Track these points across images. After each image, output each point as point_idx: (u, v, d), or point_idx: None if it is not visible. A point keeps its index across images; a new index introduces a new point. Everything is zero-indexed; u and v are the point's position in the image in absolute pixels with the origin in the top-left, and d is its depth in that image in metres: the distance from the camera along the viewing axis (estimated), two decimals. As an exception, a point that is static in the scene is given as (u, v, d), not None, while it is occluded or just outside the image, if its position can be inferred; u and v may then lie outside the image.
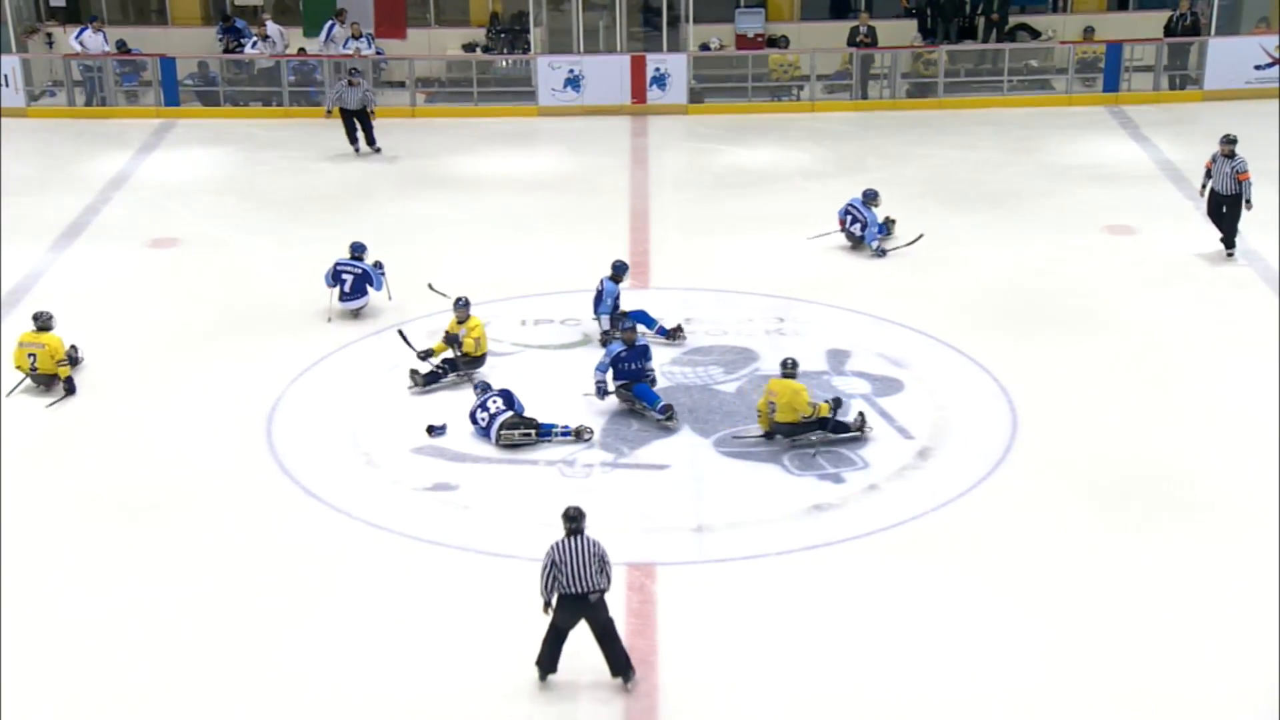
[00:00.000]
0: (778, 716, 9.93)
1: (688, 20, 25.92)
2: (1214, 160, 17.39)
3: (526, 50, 25.99)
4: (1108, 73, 25.02)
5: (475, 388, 13.99)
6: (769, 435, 13.47)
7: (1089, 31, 25.54)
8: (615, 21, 26.28)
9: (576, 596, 9.99)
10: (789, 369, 13.38)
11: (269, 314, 16.54)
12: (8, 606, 11.13)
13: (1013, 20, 26.35)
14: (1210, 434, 13.53)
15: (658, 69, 24.85)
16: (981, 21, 26.18)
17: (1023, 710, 9.97)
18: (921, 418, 13.85)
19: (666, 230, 19.24)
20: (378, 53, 25.32)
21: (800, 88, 25.45)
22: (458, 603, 11.21)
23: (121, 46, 25.53)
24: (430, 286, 16.45)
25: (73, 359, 14.93)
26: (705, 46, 26.08)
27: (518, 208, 20.27)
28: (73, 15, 26.88)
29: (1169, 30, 25.33)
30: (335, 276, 16.29)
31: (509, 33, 26.73)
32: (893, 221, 18.58)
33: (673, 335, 15.61)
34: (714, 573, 11.55)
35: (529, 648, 10.48)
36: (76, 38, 25.28)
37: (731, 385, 14.68)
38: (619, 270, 15.63)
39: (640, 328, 14.96)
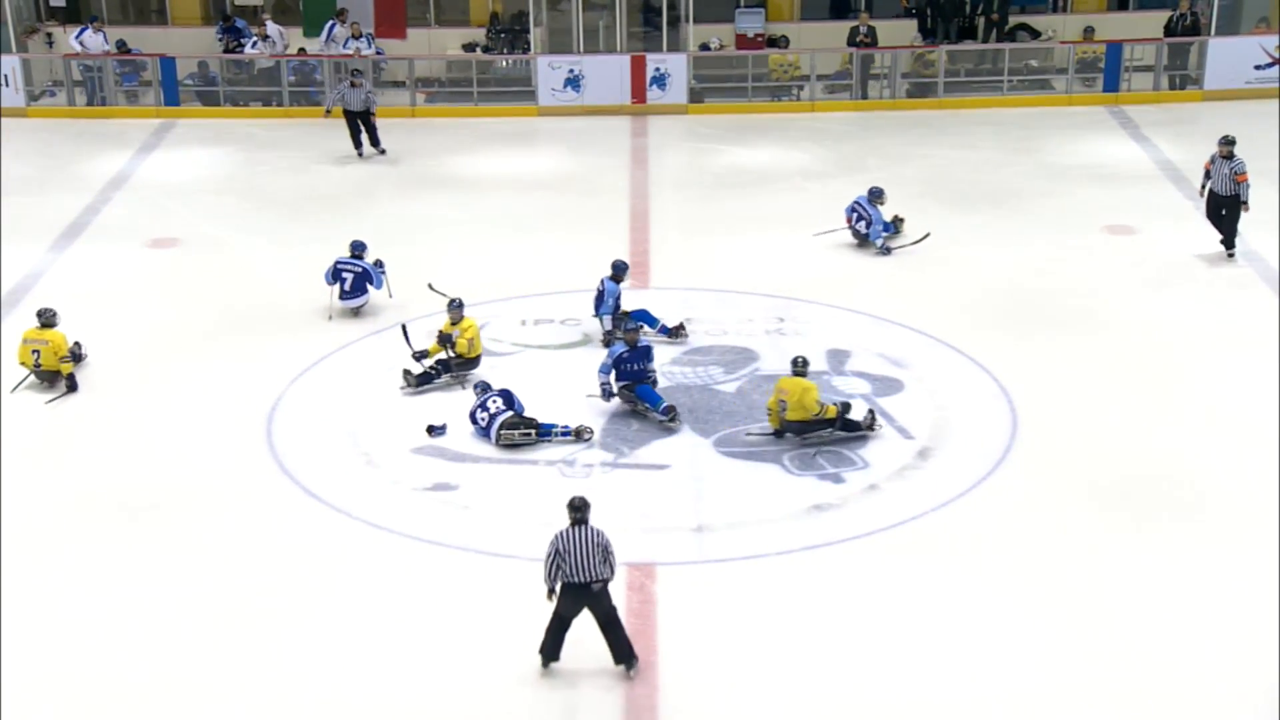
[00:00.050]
0: (778, 716, 9.93)
1: (688, 20, 25.92)
2: (1213, 161, 17.39)
3: (526, 50, 25.99)
4: (1108, 73, 25.02)
5: (475, 388, 13.99)
6: (779, 433, 13.47)
7: (1089, 31, 25.55)
8: (615, 21, 26.28)
9: (580, 586, 10.07)
10: (799, 367, 13.40)
11: (269, 314, 16.54)
12: (8, 606, 11.13)
13: (1013, 20, 26.35)
14: (1210, 434, 13.53)
15: (658, 69, 24.85)
16: (981, 21, 26.18)
17: (1023, 710, 9.97)
18: (921, 418, 13.85)
19: (666, 230, 19.24)
20: (378, 53, 25.32)
21: (800, 88, 25.45)
22: (458, 603, 11.21)
23: (121, 46, 25.53)
24: (430, 286, 16.45)
25: (76, 355, 14.98)
26: (705, 46, 26.08)
27: (518, 208, 20.27)
28: (73, 15, 26.88)
29: (1169, 30, 25.33)
30: (335, 274, 16.32)
31: (509, 33, 26.73)
32: (901, 220, 18.62)
33: (675, 333, 15.62)
34: (714, 573, 11.55)
35: (529, 648, 10.49)
36: (77, 38, 25.29)
37: (731, 385, 14.68)
38: (619, 270, 15.63)
39: (643, 327, 14.98)
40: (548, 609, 10.60)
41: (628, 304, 15.67)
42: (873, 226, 18.04)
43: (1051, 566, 11.51)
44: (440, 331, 14.78)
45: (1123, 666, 10.30)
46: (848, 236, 18.39)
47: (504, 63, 26.37)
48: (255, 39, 25.71)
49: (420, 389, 14.52)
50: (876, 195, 18.15)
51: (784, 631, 10.78)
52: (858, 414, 13.66)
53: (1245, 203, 17.26)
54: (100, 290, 17.25)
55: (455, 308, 14.78)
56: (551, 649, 10.32)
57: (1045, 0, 27.60)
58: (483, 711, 10.07)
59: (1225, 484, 12.69)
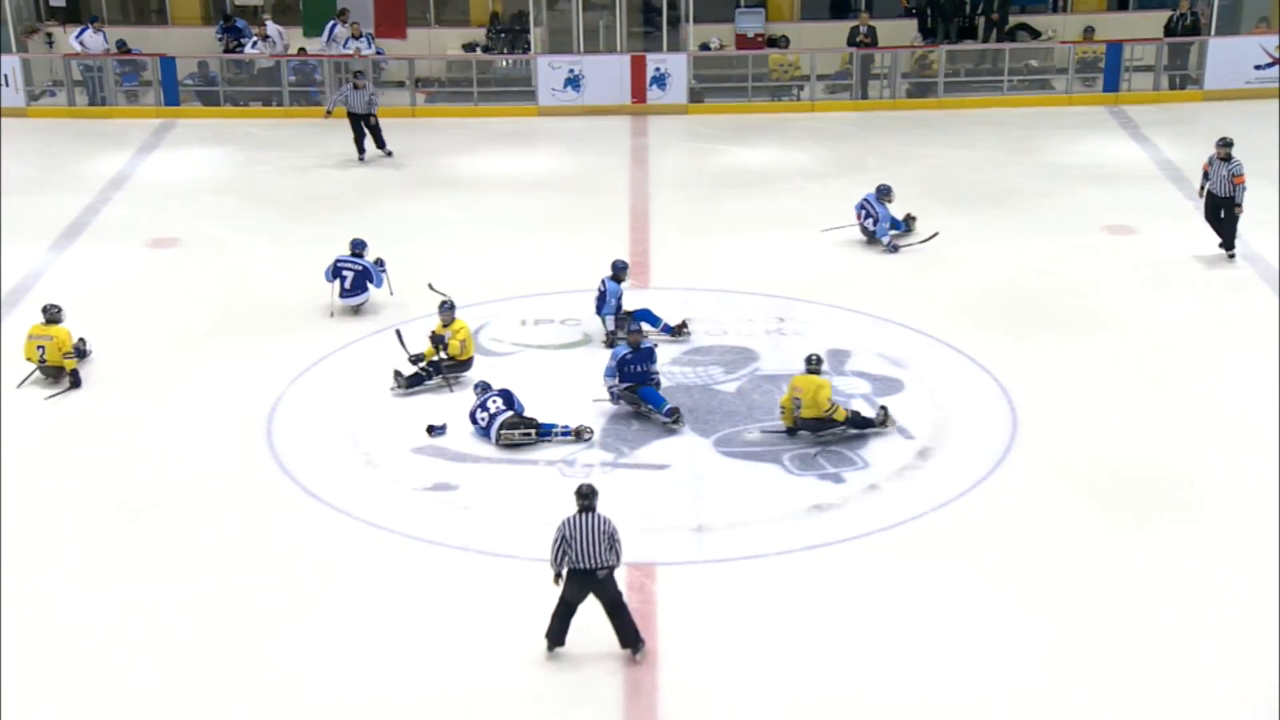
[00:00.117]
0: (778, 716, 9.93)
1: (688, 20, 25.93)
2: (1210, 163, 17.39)
3: (526, 50, 25.99)
4: (1108, 73, 25.03)
5: (475, 388, 13.99)
6: (791, 431, 13.48)
7: (1089, 31, 25.55)
8: (615, 21, 26.29)
9: (585, 572, 10.20)
10: (814, 365, 13.43)
11: (269, 314, 16.55)
12: (8, 606, 11.13)
13: (1013, 20, 26.36)
14: (1210, 434, 13.53)
15: (658, 69, 24.85)
16: (981, 21, 26.19)
17: (1023, 710, 9.97)
18: (921, 418, 13.84)
19: (666, 230, 19.24)
20: (378, 53, 25.31)
21: (800, 88, 25.46)
22: (458, 603, 11.21)
23: (121, 46, 25.54)
24: (430, 286, 16.44)
25: (81, 351, 15.05)
26: (705, 46, 26.09)
27: (518, 208, 20.27)
28: (73, 15, 26.90)
29: (1169, 30, 25.33)
30: (335, 272, 16.34)
31: (509, 33, 26.74)
32: (913, 218, 18.66)
33: (678, 331, 15.64)
34: (714, 573, 11.55)
35: (529, 648, 10.51)
36: (77, 38, 25.30)
37: (731, 385, 14.68)
38: (620, 270, 15.62)
39: (645, 326, 14.98)
40: (548, 609, 10.63)
41: (629, 304, 15.67)
42: (879, 224, 18.08)
43: (1051, 566, 11.51)
44: (433, 333, 14.75)
45: (1123, 666, 10.30)
46: (852, 234, 18.41)
47: (504, 63, 26.38)
48: (255, 39, 25.71)
49: (410, 390, 14.50)
50: (885, 193, 18.19)
51: (784, 631, 10.78)
52: (871, 411, 13.72)
53: (1239, 205, 17.24)
54: (100, 290, 17.24)
55: (446, 309, 14.76)
56: (557, 634, 10.45)
57: (1045, 0, 27.61)
58: (482, 711, 10.06)
59: (1225, 484, 12.69)
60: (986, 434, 13.59)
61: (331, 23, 25.30)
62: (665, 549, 11.81)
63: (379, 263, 16.55)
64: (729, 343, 15.62)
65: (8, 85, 24.90)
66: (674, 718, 9.98)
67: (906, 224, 18.54)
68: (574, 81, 24.83)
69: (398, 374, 14.56)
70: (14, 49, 25.87)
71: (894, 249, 18.08)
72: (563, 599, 10.38)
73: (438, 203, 20.61)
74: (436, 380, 14.62)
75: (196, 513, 12.52)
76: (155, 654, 10.63)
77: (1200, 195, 17.68)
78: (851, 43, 25.15)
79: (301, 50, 25.78)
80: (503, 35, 26.77)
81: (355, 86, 21.85)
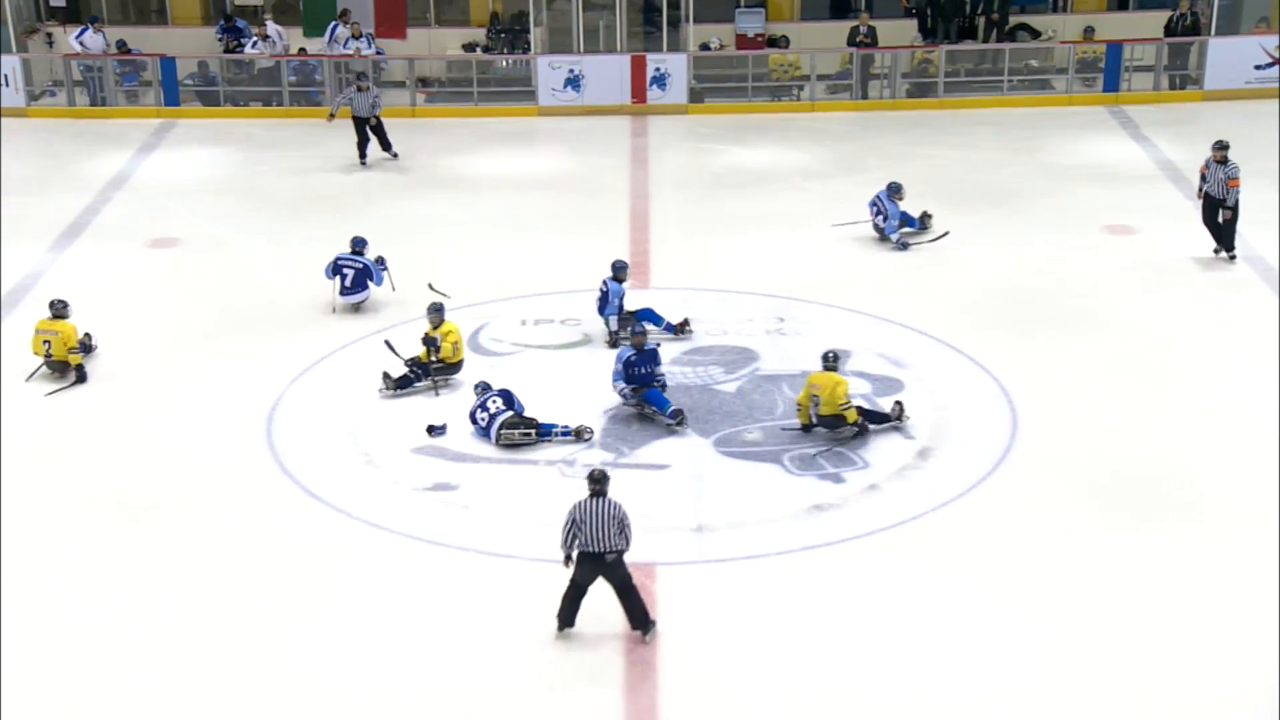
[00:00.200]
0: (778, 716, 9.93)
1: (688, 20, 25.92)
2: (1207, 166, 17.38)
3: (526, 50, 25.99)
4: (1108, 73, 25.03)
5: (475, 388, 13.98)
6: (807, 428, 13.50)
7: (1089, 31, 25.55)
8: (615, 21, 26.28)
9: (594, 555, 10.37)
10: (830, 362, 13.46)
11: (269, 314, 16.55)
12: (8, 606, 11.13)
13: (1013, 20, 26.36)
14: (1209, 434, 13.53)
15: (658, 69, 24.86)
16: (981, 21, 26.19)
17: (1023, 710, 9.97)
18: (921, 418, 13.84)
19: (666, 230, 19.24)
20: (378, 53, 25.31)
21: (800, 88, 25.46)
22: (458, 603, 11.21)
23: (121, 46, 25.54)
24: (430, 286, 16.46)
25: (86, 347, 15.14)
26: (705, 46, 26.09)
27: (518, 208, 20.27)
28: (73, 15, 26.90)
29: (1169, 30, 25.33)
30: (335, 269, 16.37)
31: (509, 33, 26.74)
32: (929, 216, 18.69)
33: (680, 330, 15.65)
34: (714, 573, 11.55)
35: (528, 648, 10.52)
36: (77, 38, 25.30)
37: (731, 385, 14.68)
38: (620, 270, 15.61)
39: (648, 325, 15.00)
40: (548, 609, 10.67)
41: (630, 304, 15.67)
42: (889, 221, 18.12)
43: (1051, 566, 11.51)
44: (425, 335, 14.71)
45: (1123, 666, 10.30)
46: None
47: (504, 63, 26.38)
48: (255, 39, 25.72)
49: (399, 392, 14.48)
50: (895, 190, 18.25)
51: (784, 631, 10.78)
52: (885, 406, 13.77)
53: (1229, 208, 17.20)
54: (100, 290, 17.23)
55: (435, 311, 14.72)
56: (567, 615, 10.61)
57: (1045, 0, 27.61)
58: (481, 711, 10.06)
59: (1225, 484, 12.69)
60: (986, 434, 13.59)
61: (333, 24, 25.30)
62: (665, 549, 11.80)
63: (380, 261, 16.56)
64: (729, 343, 15.62)
65: (8, 85, 24.90)
66: (674, 717, 9.98)
67: (922, 222, 18.60)
68: (574, 81, 24.83)
69: (386, 376, 14.52)
70: (14, 49, 25.87)
71: (903, 246, 18.12)
72: (573, 581, 10.53)
73: (438, 203, 20.61)
74: (425, 383, 14.58)
75: (196, 513, 12.52)
76: (155, 654, 10.63)
77: (1198, 197, 17.67)
78: (851, 43, 25.15)
79: (301, 50, 25.78)
80: (503, 35, 26.77)
81: (359, 89, 21.66)
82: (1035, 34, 26.35)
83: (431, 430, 13.75)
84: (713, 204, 20.36)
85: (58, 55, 26.16)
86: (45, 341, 14.85)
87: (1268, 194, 18.99)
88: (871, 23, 25.33)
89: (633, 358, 13.83)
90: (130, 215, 20.19)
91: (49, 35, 26.87)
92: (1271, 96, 23.98)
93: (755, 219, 19.57)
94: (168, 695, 10.20)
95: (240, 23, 26.29)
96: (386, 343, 14.99)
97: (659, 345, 14.42)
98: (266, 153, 23.21)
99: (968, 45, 25.85)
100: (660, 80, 24.82)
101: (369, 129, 21.82)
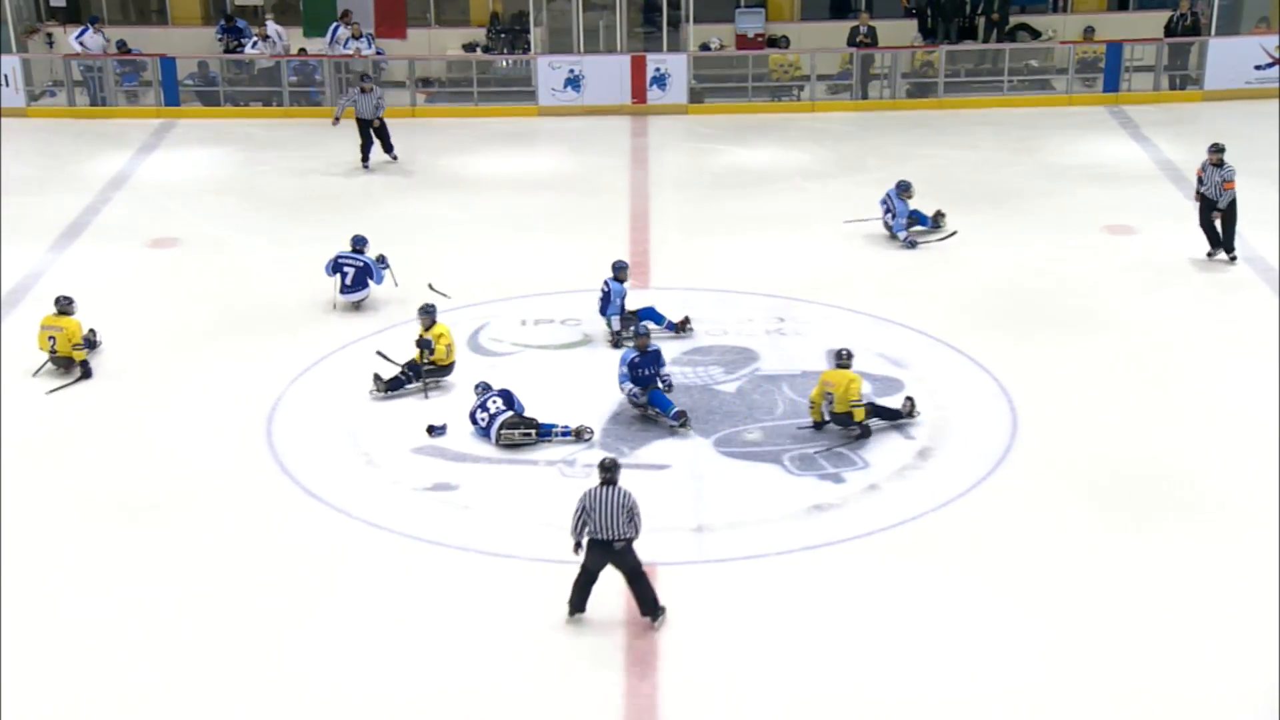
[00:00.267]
0: (778, 716, 9.93)
1: (688, 20, 25.93)
2: (1204, 169, 17.37)
3: (526, 50, 25.99)
4: (1108, 73, 25.03)
5: (475, 388, 13.98)
6: (819, 425, 13.53)
7: (1089, 31, 25.55)
8: (615, 21, 26.28)
9: (603, 543, 10.55)
10: (844, 359, 13.47)
11: (269, 314, 16.55)
12: (8, 606, 11.13)
13: (1013, 20, 26.37)
14: (1210, 434, 13.53)
15: (658, 69, 24.85)
16: (982, 21, 26.19)
17: (1023, 710, 9.97)
18: (922, 418, 13.84)
19: (666, 230, 19.25)
20: (378, 53, 25.32)
21: (800, 88, 25.46)
22: (458, 603, 11.21)
23: (121, 46, 25.54)
24: (431, 286, 16.48)
25: (90, 343, 15.23)
26: (705, 46, 26.09)
27: (518, 208, 20.27)
28: (73, 15, 26.91)
29: (1169, 30, 25.33)
30: (335, 267, 16.39)
31: (509, 33, 26.74)
32: (942, 215, 18.73)
33: (681, 328, 15.67)
34: (714, 573, 11.55)
35: (528, 648, 10.52)
36: (77, 38, 25.30)
37: (731, 385, 14.68)
38: (621, 270, 15.60)
39: (649, 324, 15.01)
40: (548, 609, 10.71)
41: (630, 303, 15.67)
42: (897, 219, 18.15)
43: (1051, 566, 11.51)
44: (419, 336, 14.67)
45: (1123, 666, 10.30)
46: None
47: (504, 63, 26.38)
48: (255, 39, 25.72)
49: (390, 394, 14.46)
50: (904, 188, 18.32)
51: (784, 631, 10.78)
52: (897, 403, 13.82)
53: (1221, 210, 17.19)
54: (100, 290, 17.22)
55: (426, 313, 14.68)
56: (578, 601, 10.76)
57: (1045, 0, 27.61)
58: (481, 712, 10.06)
59: (1225, 484, 12.69)
60: (986, 434, 13.59)
61: (334, 24, 25.29)
62: (665, 549, 11.78)
63: (381, 260, 16.58)
64: (729, 343, 15.62)
65: (8, 85, 24.91)
66: (674, 717, 9.98)
67: (935, 221, 18.63)
68: (574, 81, 24.83)
69: (377, 378, 14.50)
70: (14, 49, 25.88)
71: (911, 245, 18.16)
72: (583, 567, 10.70)
73: (438, 203, 20.61)
74: (416, 384, 14.55)
75: (196, 513, 12.52)
76: (155, 654, 10.63)
77: (1195, 200, 17.66)
78: (851, 43, 25.15)
79: (302, 50, 25.79)
80: (503, 35, 26.77)
81: (363, 90, 21.52)
82: (1035, 34, 26.35)
83: (431, 430, 13.75)
84: (713, 204, 20.36)
85: (58, 55, 26.16)
86: (50, 338, 14.95)
87: (1268, 194, 18.99)
88: (871, 23, 25.34)
89: (637, 359, 13.83)
90: (130, 215, 20.19)
91: (49, 35, 26.88)
92: (1271, 96, 23.98)
93: (755, 219, 19.57)
94: (168, 695, 10.20)
95: (240, 23, 26.30)
96: (379, 353, 14.91)
97: (658, 347, 14.41)
98: (266, 153, 23.21)
99: (968, 45, 25.85)
100: (660, 80, 24.83)
101: (372, 131, 21.74)
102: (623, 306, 15.54)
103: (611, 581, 10.98)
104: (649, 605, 10.73)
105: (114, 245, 18.98)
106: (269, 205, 20.60)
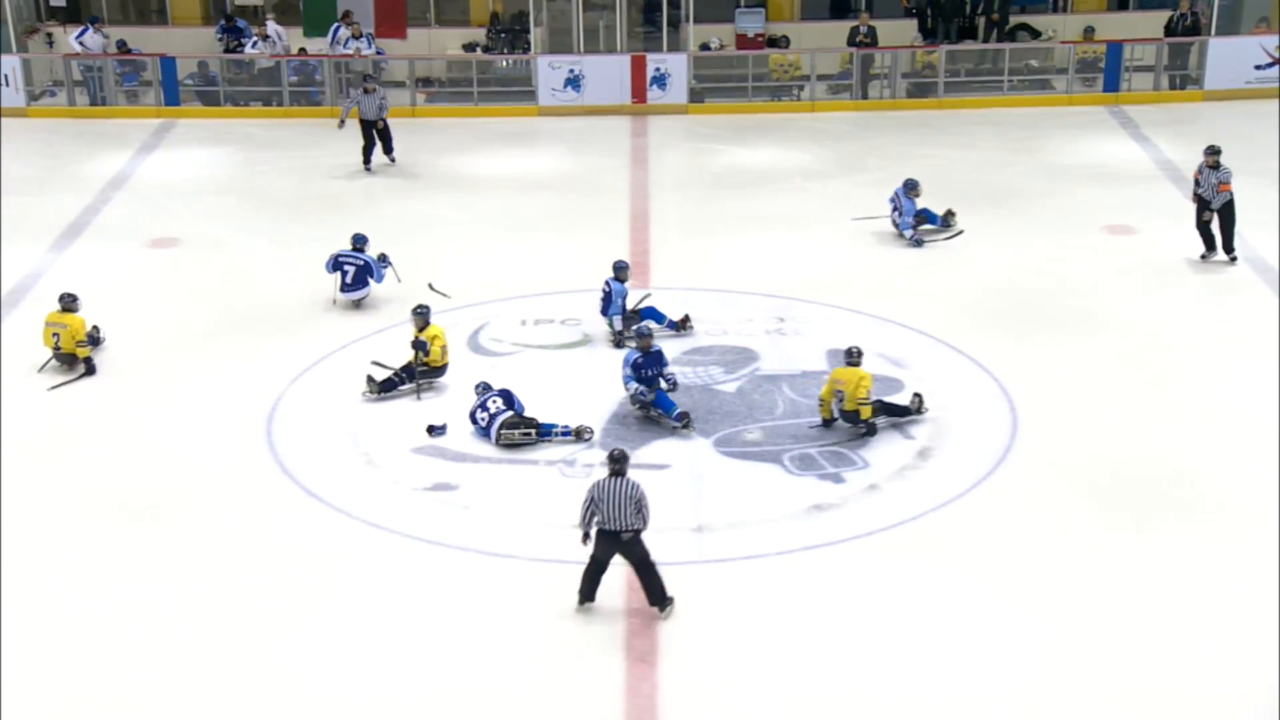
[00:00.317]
0: (778, 716, 9.93)
1: (688, 20, 25.93)
2: (1200, 171, 17.37)
3: (526, 50, 26.00)
4: (1108, 73, 25.03)
5: (476, 388, 13.98)
6: (828, 423, 13.57)
7: (1089, 31, 25.55)
8: (615, 21, 26.28)
9: (612, 533, 10.68)
10: (854, 357, 13.48)
11: (269, 314, 16.55)
12: (8, 606, 11.13)
13: (1013, 20, 26.38)
14: (1210, 434, 13.53)
15: (658, 69, 24.86)
16: (982, 21, 26.20)
17: (1023, 710, 9.97)
18: (922, 418, 13.84)
19: (666, 230, 19.25)
20: (378, 53, 25.31)
21: (800, 88, 25.46)
22: (458, 603, 11.21)
23: (122, 46, 25.55)
24: (431, 286, 16.49)
25: (94, 339, 15.30)
26: (705, 46, 26.09)
27: (518, 208, 20.27)
28: (73, 15, 26.92)
29: (1169, 30, 25.34)
30: (335, 265, 16.41)
31: (509, 33, 26.74)
32: (953, 214, 18.75)
33: (681, 326, 15.69)
34: (714, 573, 11.55)
35: (528, 648, 10.52)
36: (77, 38, 25.31)
37: (731, 385, 14.68)
38: (622, 270, 15.61)
39: (651, 323, 15.03)
40: (548, 609, 10.73)
41: (631, 302, 15.67)
42: (903, 217, 18.18)
43: (1051, 566, 11.51)
44: (414, 338, 14.62)
45: (1123, 666, 10.30)
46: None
47: (504, 63, 26.38)
48: (255, 39, 25.72)
49: (383, 396, 14.44)
50: (911, 187, 18.38)
51: (784, 631, 10.78)
52: (904, 399, 13.86)
53: (1213, 210, 17.18)
54: (100, 290, 17.20)
55: (419, 314, 14.64)
56: (588, 590, 10.90)
57: (1045, 0, 27.61)
58: (480, 712, 10.06)
59: (1225, 484, 12.69)
60: (986, 434, 13.59)
61: (335, 25, 25.27)
62: (665, 549, 11.75)
63: (383, 258, 16.59)
64: (729, 343, 15.62)
65: (8, 85, 24.91)
66: (674, 717, 9.98)
67: (945, 220, 18.63)
68: (574, 81, 24.83)
69: (370, 379, 14.48)
70: (14, 49, 25.88)
71: (918, 243, 18.18)
72: (593, 557, 10.82)
73: (438, 203, 20.61)
74: (409, 386, 14.52)
75: (196, 513, 12.51)
76: (155, 654, 10.63)
77: (1193, 202, 17.65)
78: (851, 43, 25.15)
79: (302, 50, 25.79)
80: (503, 35, 26.77)
81: (366, 91, 21.43)
82: (1035, 34, 26.36)
83: (431, 430, 13.75)
84: (713, 204, 20.36)
85: (58, 55, 26.17)
86: (54, 334, 15.01)
87: (1268, 194, 18.99)
88: (871, 23, 25.35)
89: (640, 359, 13.83)
90: (130, 215, 20.19)
91: (49, 35, 26.88)
92: (1271, 96, 23.98)
93: (755, 219, 19.57)
94: (168, 695, 10.20)
95: (240, 23, 26.30)
96: (376, 363, 14.82)
97: (660, 348, 14.41)
98: (266, 153, 23.22)
99: (968, 45, 25.86)
100: (660, 80, 24.83)
101: (375, 132, 21.68)
102: (624, 306, 15.55)
103: (611, 582, 11.01)
104: (657, 596, 10.82)
105: (114, 245, 18.98)
106: (269, 205, 20.60)
